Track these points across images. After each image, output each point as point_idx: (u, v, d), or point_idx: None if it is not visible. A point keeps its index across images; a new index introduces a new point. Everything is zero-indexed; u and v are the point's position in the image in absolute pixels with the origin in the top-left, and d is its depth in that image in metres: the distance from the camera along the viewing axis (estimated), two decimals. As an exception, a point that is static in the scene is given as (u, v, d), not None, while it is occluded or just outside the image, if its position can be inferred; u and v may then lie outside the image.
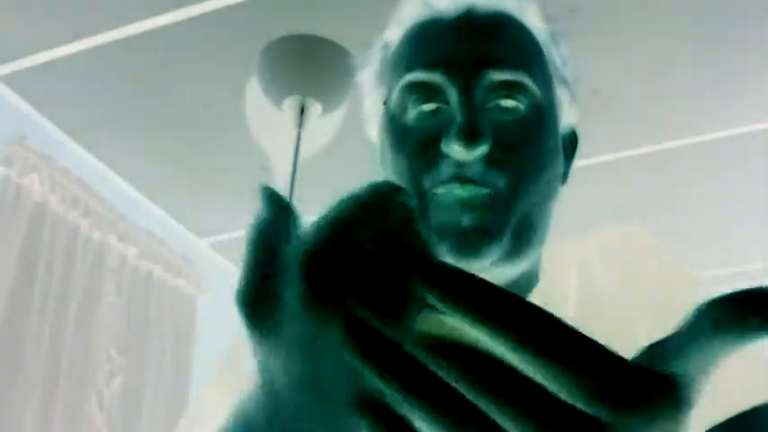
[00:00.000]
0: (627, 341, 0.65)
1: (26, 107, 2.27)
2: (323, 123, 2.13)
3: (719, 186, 2.53)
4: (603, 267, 0.70)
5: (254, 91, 2.11)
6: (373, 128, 0.75)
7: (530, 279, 0.72)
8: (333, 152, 2.36)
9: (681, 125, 2.31)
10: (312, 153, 2.31)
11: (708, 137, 2.34)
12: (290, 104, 1.97)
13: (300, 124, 1.96)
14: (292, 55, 1.94)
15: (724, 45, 2.01)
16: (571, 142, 0.75)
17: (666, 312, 0.66)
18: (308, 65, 1.94)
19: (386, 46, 0.73)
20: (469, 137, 0.61)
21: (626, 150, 2.40)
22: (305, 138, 2.02)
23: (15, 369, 2.06)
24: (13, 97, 2.24)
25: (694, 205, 2.63)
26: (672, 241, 0.72)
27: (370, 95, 0.74)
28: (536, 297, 0.71)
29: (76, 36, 2.03)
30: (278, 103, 1.99)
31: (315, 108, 1.97)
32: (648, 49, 2.03)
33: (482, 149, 0.62)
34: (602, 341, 0.67)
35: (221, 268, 2.99)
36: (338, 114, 2.15)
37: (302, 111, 1.96)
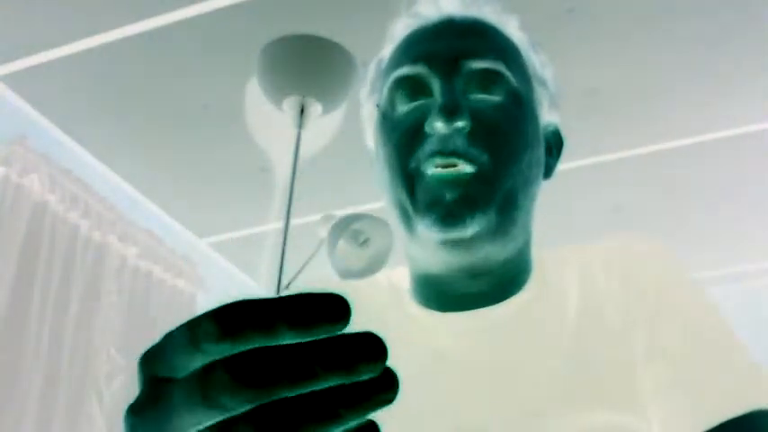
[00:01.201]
0: (626, 350, 0.65)
1: (26, 107, 2.27)
2: (323, 123, 2.13)
3: (719, 186, 2.53)
4: (606, 277, 0.71)
5: (254, 91, 2.11)
6: (370, 135, 0.79)
7: (520, 269, 0.73)
8: (333, 152, 2.36)
9: (681, 125, 2.31)
10: (312, 153, 2.31)
11: (708, 137, 2.34)
12: (290, 104, 1.97)
13: (300, 124, 1.96)
14: (292, 55, 1.94)
15: (724, 45, 2.01)
16: (555, 142, 0.78)
17: (666, 322, 0.66)
18: (308, 65, 1.94)
19: (380, 61, 0.78)
20: (449, 112, 0.66)
21: (626, 150, 2.40)
22: (305, 138, 2.02)
23: (15, 369, 2.06)
24: (12, 97, 2.24)
25: (694, 205, 2.63)
26: (671, 241, 0.72)
27: (366, 105, 0.79)
28: (529, 292, 0.71)
29: (76, 36, 2.03)
30: (278, 103, 1.99)
31: (315, 108, 1.97)
32: (648, 49, 2.03)
33: (461, 123, 0.66)
34: (602, 349, 0.68)
35: (221, 268, 2.99)
36: (338, 114, 2.15)
37: (302, 111, 1.96)
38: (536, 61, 0.76)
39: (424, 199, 0.67)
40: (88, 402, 2.26)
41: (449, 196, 0.66)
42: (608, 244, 0.74)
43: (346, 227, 2.09)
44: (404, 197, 0.69)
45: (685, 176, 2.50)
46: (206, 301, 2.77)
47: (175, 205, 2.70)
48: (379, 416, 0.30)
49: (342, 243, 2.10)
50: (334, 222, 2.13)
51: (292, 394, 0.28)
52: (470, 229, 0.66)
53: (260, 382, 0.28)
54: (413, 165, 0.68)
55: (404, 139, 0.69)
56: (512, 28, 0.75)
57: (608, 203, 2.60)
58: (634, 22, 1.96)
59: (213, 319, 0.29)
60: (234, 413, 0.29)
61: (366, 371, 0.28)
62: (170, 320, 2.61)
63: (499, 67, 0.70)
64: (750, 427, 0.59)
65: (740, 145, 2.34)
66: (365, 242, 2.16)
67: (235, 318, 0.28)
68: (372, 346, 0.28)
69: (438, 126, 0.66)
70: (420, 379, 0.66)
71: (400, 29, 0.77)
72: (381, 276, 0.82)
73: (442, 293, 0.72)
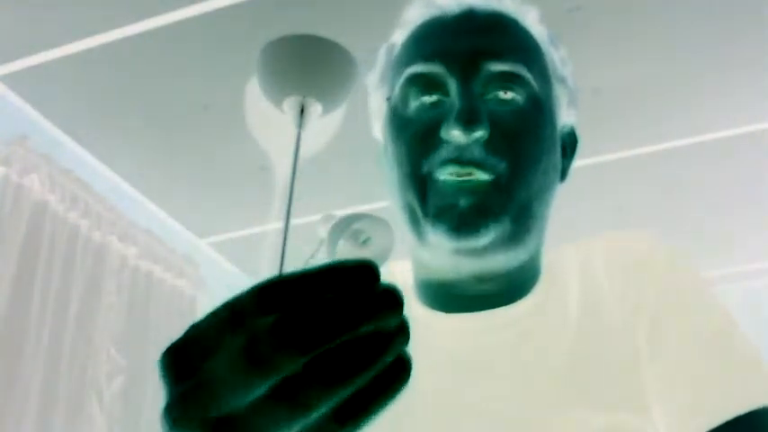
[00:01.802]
0: (628, 349, 0.65)
1: (26, 107, 2.27)
2: (323, 123, 2.13)
3: (719, 186, 2.53)
4: (607, 273, 0.70)
5: (254, 91, 2.11)
6: (378, 127, 0.76)
7: (530, 274, 0.72)
8: (333, 152, 2.36)
9: (681, 125, 2.30)
10: (312, 153, 2.31)
11: (708, 137, 2.34)
12: (290, 105, 1.97)
13: (300, 124, 1.96)
14: (292, 55, 1.94)
15: (724, 45, 2.01)
16: (570, 142, 0.76)
17: (668, 320, 0.66)
18: (308, 65, 1.94)
19: (391, 48, 0.75)
20: (467, 121, 0.63)
21: (626, 150, 2.40)
22: (305, 138, 2.02)
23: (15, 369, 2.06)
24: (12, 97, 2.24)
25: (694, 205, 2.63)
26: (671, 241, 0.72)
27: (375, 95, 0.75)
28: (537, 295, 0.71)
29: (76, 36, 2.02)
30: (278, 103, 1.99)
31: (315, 108, 1.97)
32: (649, 49, 2.03)
33: (480, 133, 0.63)
34: (604, 349, 0.67)
35: (221, 268, 2.99)
36: (338, 114, 2.15)
37: (302, 111, 1.96)
38: (556, 58, 0.73)
39: (436, 204, 0.65)
40: (88, 402, 2.26)
41: (462, 203, 0.63)
42: (609, 242, 0.73)
43: (346, 227, 2.09)
44: (414, 201, 0.66)
45: (685, 176, 2.50)
46: (206, 301, 2.77)
47: (175, 205, 2.70)
48: (385, 413, 0.31)
49: (342, 243, 2.10)
50: (334, 222, 2.13)
51: (333, 345, 0.31)
52: (484, 239, 0.64)
53: (306, 340, 0.30)
54: (425, 169, 0.65)
55: (417, 141, 0.66)
56: (531, 21, 0.72)
57: (609, 203, 2.60)
58: (635, 22, 1.95)
59: (256, 294, 0.31)
60: (282, 375, 0.30)
61: (390, 318, 0.32)
62: (170, 320, 2.61)
63: (520, 69, 0.67)
64: (754, 425, 0.59)
65: (740, 145, 2.34)
66: (365, 242, 2.16)
67: (277, 291, 0.31)
68: (393, 298, 0.32)
69: (455, 134, 0.63)
70: (425, 378, 0.66)
71: (415, 16, 0.73)
72: (384, 272, 0.81)
73: (448, 295, 0.70)
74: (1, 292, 2.07)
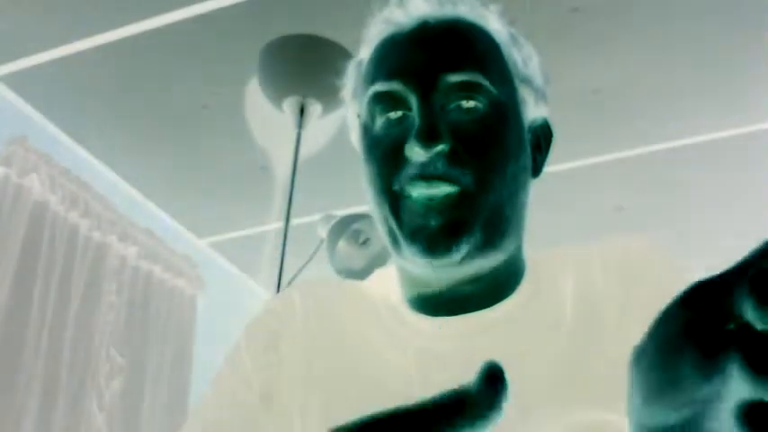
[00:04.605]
0: (623, 349, 0.65)
1: (26, 107, 2.27)
2: (323, 123, 2.13)
3: (719, 186, 2.53)
4: (603, 276, 0.70)
5: (254, 91, 2.11)
6: (354, 137, 0.78)
7: (512, 272, 0.72)
8: (333, 152, 2.36)
9: (681, 125, 2.30)
10: (312, 153, 2.31)
11: (708, 137, 2.34)
12: (289, 105, 1.97)
13: (300, 124, 1.96)
14: (292, 55, 1.94)
15: (724, 45, 2.01)
16: (544, 135, 0.76)
17: None
18: (308, 65, 1.94)
19: (359, 64, 0.77)
20: (427, 137, 0.65)
21: (626, 150, 2.40)
22: (305, 138, 2.02)
23: (15, 369, 2.06)
24: (12, 97, 2.24)
25: (694, 205, 2.63)
26: (671, 241, 0.72)
27: (349, 110, 0.78)
28: (521, 295, 0.71)
29: (76, 36, 2.03)
30: (278, 103, 1.99)
31: (315, 108, 1.97)
32: (649, 49, 2.03)
33: (440, 147, 0.65)
34: (598, 349, 0.67)
35: (221, 268, 2.99)
36: (338, 114, 2.15)
37: (302, 111, 1.96)
38: (518, 58, 0.73)
39: (409, 224, 0.67)
40: (88, 402, 2.26)
41: (433, 223, 0.65)
42: (606, 245, 0.73)
43: (346, 227, 2.09)
44: (390, 218, 0.69)
45: (685, 176, 2.50)
46: (206, 301, 2.77)
47: (175, 205, 2.70)
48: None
49: (342, 243, 2.10)
50: (334, 222, 2.13)
51: None
52: (457, 255, 0.66)
53: None
54: (396, 186, 0.68)
55: (385, 160, 0.69)
56: (491, 23, 0.73)
57: (609, 203, 2.60)
58: (636, 22, 1.96)
59: None
60: None
61: None
62: (170, 320, 2.61)
63: (477, 78, 0.68)
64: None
65: (740, 145, 2.34)
66: (365, 242, 2.16)
67: None
68: None
69: (417, 152, 0.65)
70: (415, 382, 0.67)
71: (375, 33, 0.75)
72: (374, 278, 0.82)
73: (433, 299, 0.72)
74: (1, 292, 2.07)
